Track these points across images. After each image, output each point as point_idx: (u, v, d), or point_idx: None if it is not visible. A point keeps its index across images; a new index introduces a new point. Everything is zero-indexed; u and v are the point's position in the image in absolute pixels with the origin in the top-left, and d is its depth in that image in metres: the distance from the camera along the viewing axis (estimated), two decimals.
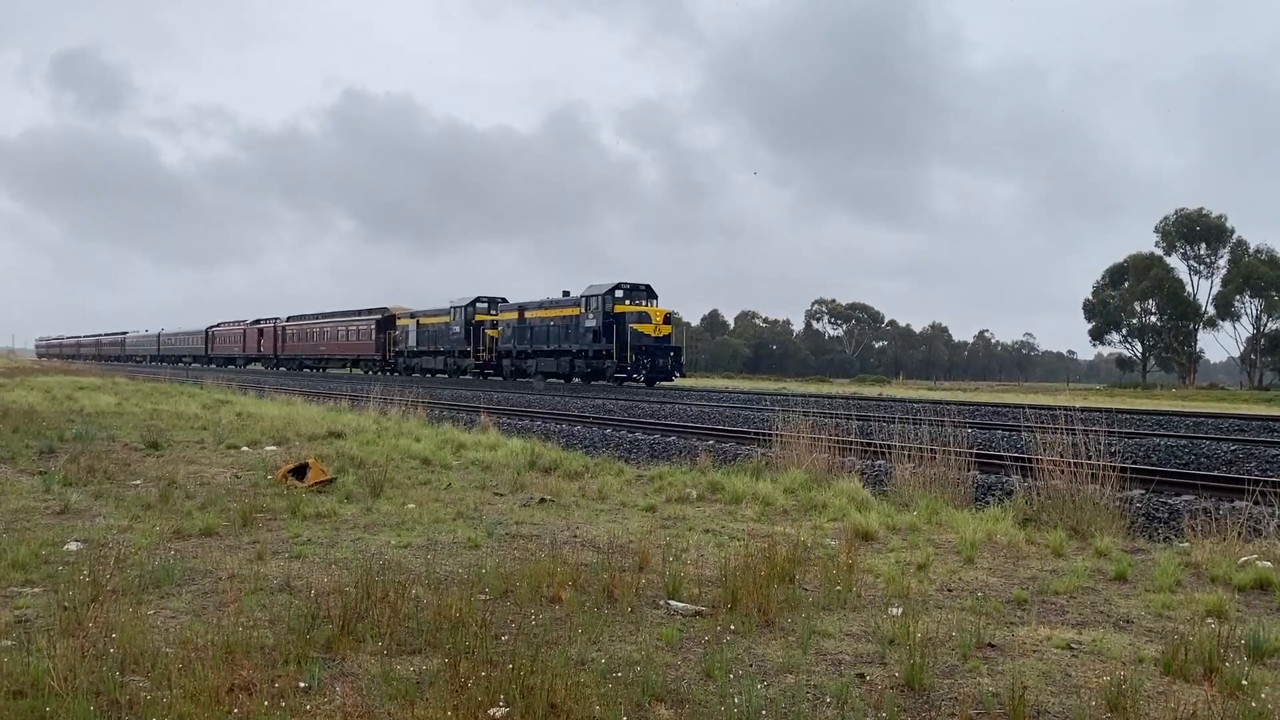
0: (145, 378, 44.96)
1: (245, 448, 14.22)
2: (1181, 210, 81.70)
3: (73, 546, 6.98)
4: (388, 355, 59.65)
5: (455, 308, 52.26)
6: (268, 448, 14.28)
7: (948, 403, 25.14)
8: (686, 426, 19.40)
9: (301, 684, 4.23)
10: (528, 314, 47.51)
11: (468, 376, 51.27)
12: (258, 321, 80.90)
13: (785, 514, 9.19)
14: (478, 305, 51.77)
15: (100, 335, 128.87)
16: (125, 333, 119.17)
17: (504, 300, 51.87)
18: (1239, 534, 7.50)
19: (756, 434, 16.40)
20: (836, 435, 12.18)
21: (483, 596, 5.68)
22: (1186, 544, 7.67)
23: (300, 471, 10.33)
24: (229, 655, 4.43)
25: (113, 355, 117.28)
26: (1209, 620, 5.52)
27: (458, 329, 51.71)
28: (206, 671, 4.12)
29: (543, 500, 9.58)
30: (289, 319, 75.16)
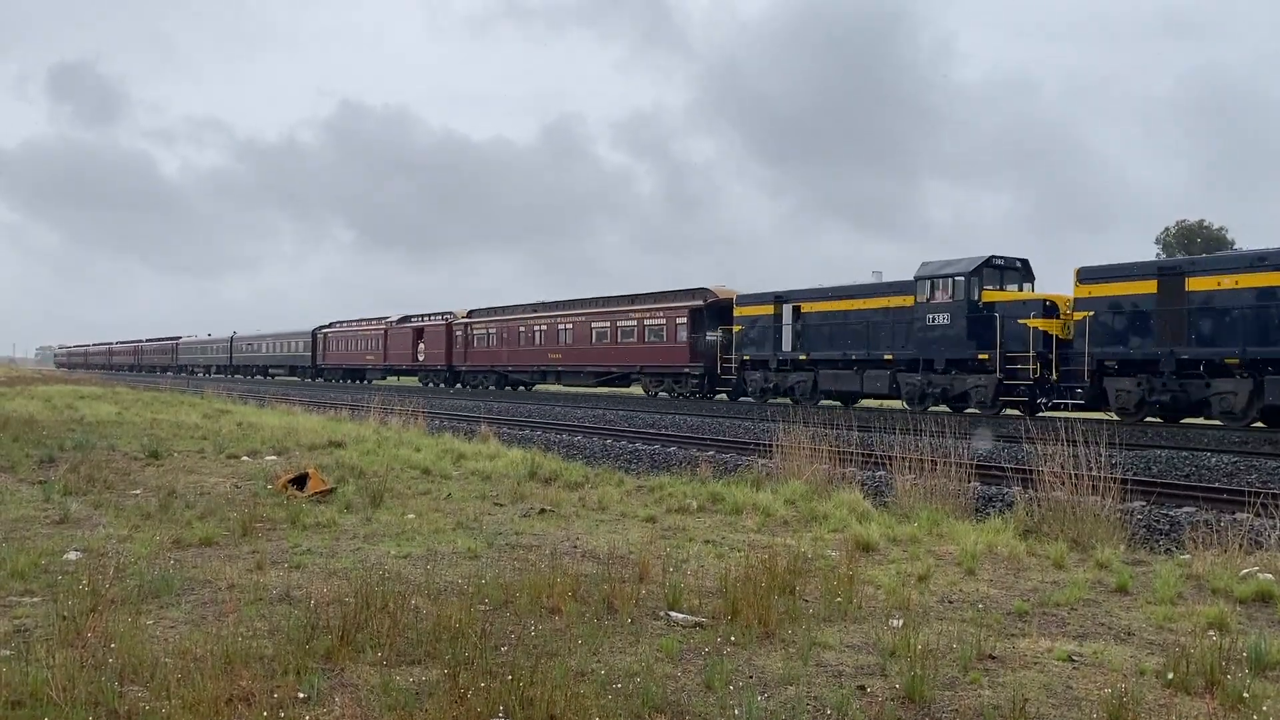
0: (147, 387, 44.94)
1: (245, 457, 14.21)
2: (1182, 222, 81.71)
3: (72, 556, 6.97)
4: (718, 366, 35.17)
5: (933, 278, 26.66)
6: (268, 457, 14.27)
7: (948, 413, 25.09)
8: (687, 437, 19.39)
9: (300, 694, 4.22)
10: (1195, 281, 21.28)
11: (970, 409, 25.77)
12: (408, 320, 57.98)
13: (786, 525, 9.17)
14: (986, 272, 26.18)
15: (140, 341, 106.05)
16: (178, 338, 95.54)
17: (1017, 262, 26.62)
18: (1240, 546, 7.49)
19: (757, 444, 16.39)
20: (837, 446, 12.16)
21: (482, 607, 5.67)
22: (1188, 556, 7.65)
23: (300, 481, 10.32)
24: (228, 665, 4.42)
25: (159, 365, 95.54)
26: (1210, 632, 5.51)
27: (942, 318, 26.12)
28: (205, 682, 4.11)
29: (543, 511, 9.56)
30: (471, 314, 52.47)
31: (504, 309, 50.60)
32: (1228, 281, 20.89)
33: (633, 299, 41.52)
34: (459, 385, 52.72)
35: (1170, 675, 4.69)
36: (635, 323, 40.13)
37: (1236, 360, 20.35)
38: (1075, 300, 23.53)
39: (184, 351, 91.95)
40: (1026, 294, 25.78)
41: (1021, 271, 26.70)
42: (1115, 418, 21.95)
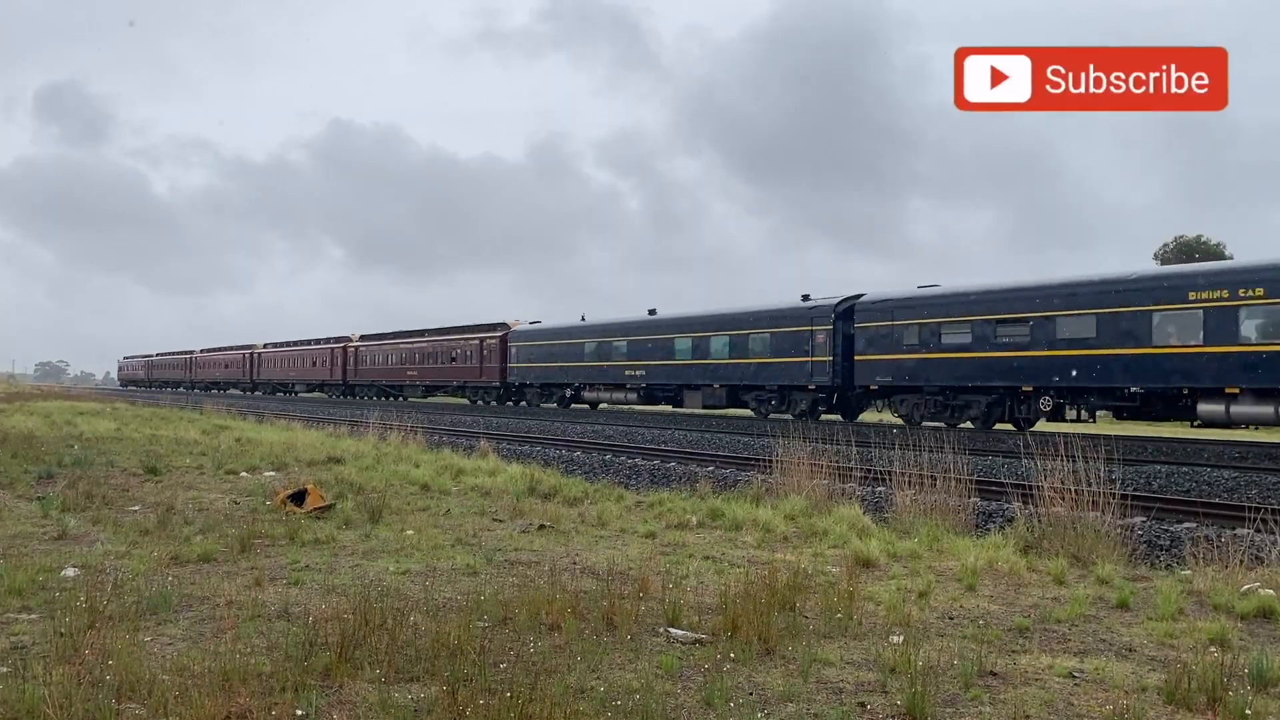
0: (145, 402, 44.90)
1: (244, 473, 14.19)
2: (1180, 238, 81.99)
3: (70, 572, 6.95)
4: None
5: None
6: (267, 473, 14.25)
7: (947, 428, 25.08)
8: (686, 452, 19.37)
9: (299, 712, 4.21)
10: None
11: None
12: None
13: (786, 541, 9.15)
14: None
15: (350, 342, 62.22)
16: (506, 325, 47.82)
17: None
18: (1241, 561, 7.47)
19: (756, 460, 16.37)
20: (836, 461, 12.15)
21: (481, 624, 5.65)
22: (1188, 571, 7.64)
23: (299, 497, 10.30)
24: (226, 683, 4.40)
25: (423, 381, 53.19)
26: (1212, 649, 5.49)
27: None
28: (203, 699, 4.10)
29: (542, 527, 9.54)
30: None
31: None
32: None
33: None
34: None
35: (1172, 692, 4.67)
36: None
37: None
38: None
39: (528, 353, 44.91)
40: None
41: None
42: None
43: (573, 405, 44.02)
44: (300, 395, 69.94)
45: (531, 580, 6.83)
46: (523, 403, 47.82)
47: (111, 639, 4.98)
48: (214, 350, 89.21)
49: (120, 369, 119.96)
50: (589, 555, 8.20)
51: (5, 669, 4.66)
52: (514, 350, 47.38)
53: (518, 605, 5.98)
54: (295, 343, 72.84)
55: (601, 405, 42.99)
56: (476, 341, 49.79)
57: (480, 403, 49.96)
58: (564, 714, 4.07)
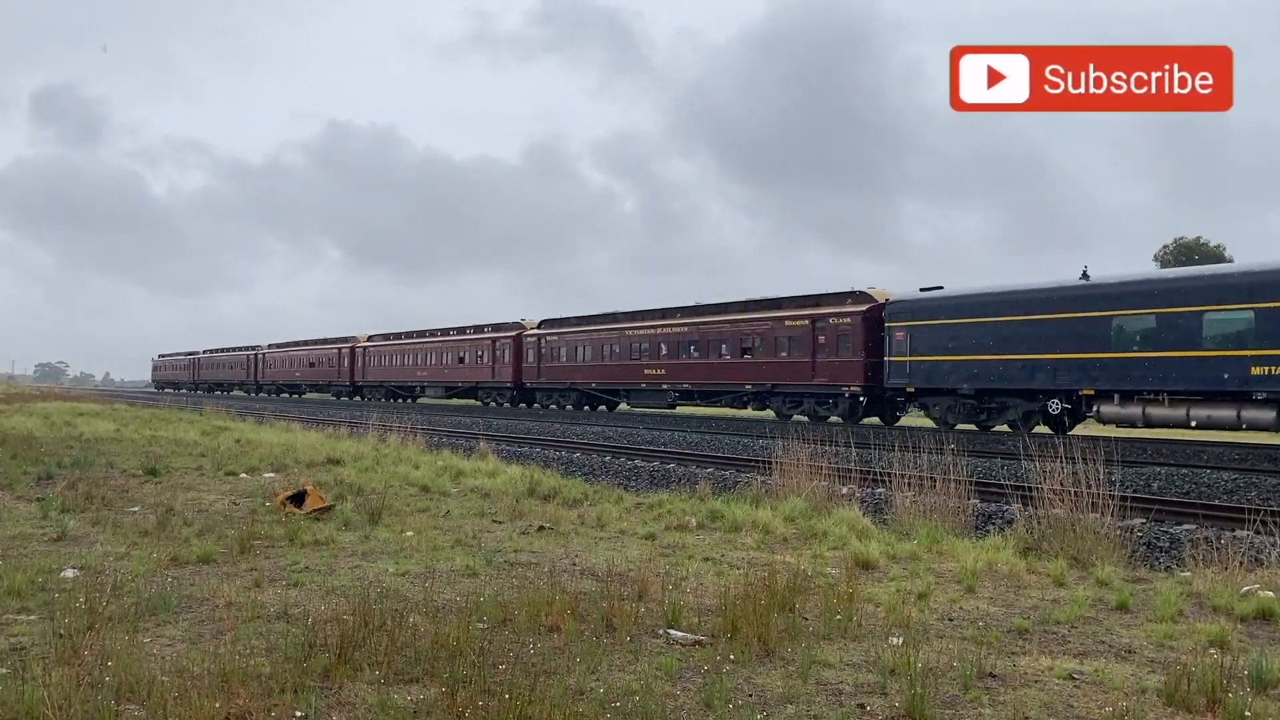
0: (144, 404, 44.89)
1: (244, 474, 14.19)
2: (1180, 239, 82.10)
3: (69, 573, 6.94)
4: None
5: None
6: (266, 474, 14.24)
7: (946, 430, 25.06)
8: (686, 453, 19.37)
9: (298, 713, 4.21)
10: None
11: None
12: None
13: (785, 542, 9.15)
14: None
15: (428, 336, 55.21)
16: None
17: None
18: (1240, 563, 7.48)
19: (756, 461, 16.37)
20: (836, 462, 12.15)
21: (481, 625, 5.65)
22: (1188, 573, 7.64)
23: (299, 498, 10.30)
24: (225, 684, 4.40)
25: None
26: (1211, 650, 5.49)
27: None
28: (202, 700, 4.10)
29: (541, 528, 9.54)
30: None
31: None
32: None
33: None
34: None
35: (1171, 694, 4.67)
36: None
37: None
38: None
39: (935, 338, 26.20)
40: None
41: None
42: None
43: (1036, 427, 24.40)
44: (426, 400, 54.59)
45: (531, 582, 6.83)
46: (887, 416, 29.41)
47: (111, 640, 4.98)
48: (289, 346, 72.59)
49: (154, 369, 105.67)
50: (588, 556, 8.20)
51: (5, 670, 4.66)
52: (899, 336, 27.40)
53: (517, 607, 5.98)
54: (422, 333, 56.04)
55: (1118, 427, 23.01)
56: (806, 323, 30.98)
57: (804, 418, 30.37)
58: (563, 715, 4.07)
